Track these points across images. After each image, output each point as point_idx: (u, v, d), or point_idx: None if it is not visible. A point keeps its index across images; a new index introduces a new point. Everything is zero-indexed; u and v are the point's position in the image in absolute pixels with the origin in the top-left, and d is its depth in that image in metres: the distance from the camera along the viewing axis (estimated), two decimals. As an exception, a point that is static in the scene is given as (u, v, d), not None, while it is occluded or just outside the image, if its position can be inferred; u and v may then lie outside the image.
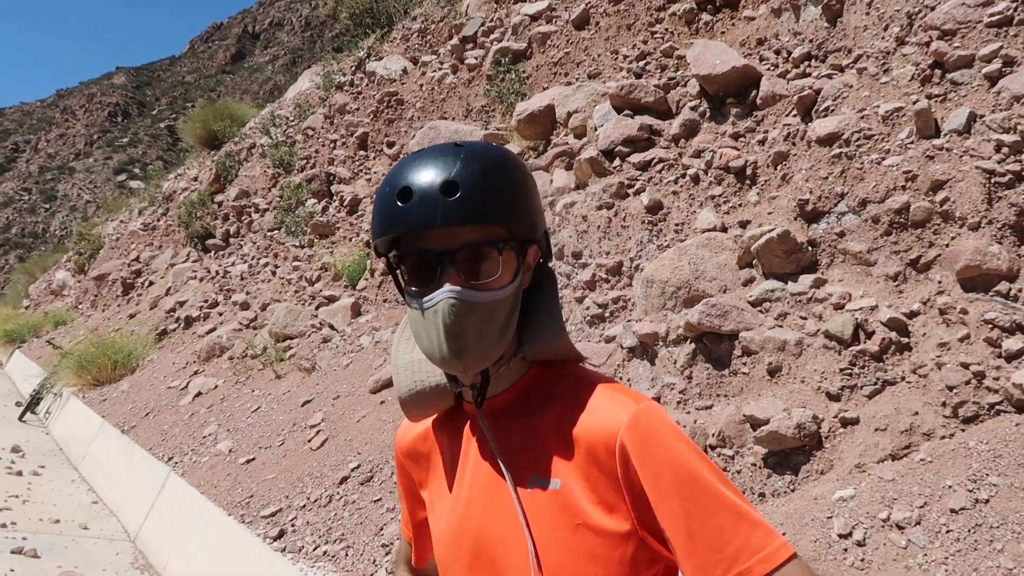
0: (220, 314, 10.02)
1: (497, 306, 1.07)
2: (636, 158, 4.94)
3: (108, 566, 4.81)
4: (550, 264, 1.21)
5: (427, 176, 1.05)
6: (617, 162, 5.07)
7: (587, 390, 1.11)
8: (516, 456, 1.11)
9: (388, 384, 5.00)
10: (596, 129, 5.45)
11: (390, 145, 9.19)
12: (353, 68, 11.89)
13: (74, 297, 20.28)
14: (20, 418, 10.23)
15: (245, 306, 9.39)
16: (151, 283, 14.32)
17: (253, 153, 13.27)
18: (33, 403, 10.61)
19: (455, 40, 9.05)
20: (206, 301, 10.74)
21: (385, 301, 6.60)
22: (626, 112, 5.28)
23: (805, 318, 3.36)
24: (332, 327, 6.67)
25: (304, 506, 4.16)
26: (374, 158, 9.56)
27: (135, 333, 11.38)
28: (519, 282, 1.11)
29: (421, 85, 9.34)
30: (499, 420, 1.14)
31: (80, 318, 16.91)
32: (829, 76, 4.31)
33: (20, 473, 6.93)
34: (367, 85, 10.80)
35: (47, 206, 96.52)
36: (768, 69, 4.79)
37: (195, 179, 15.75)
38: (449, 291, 1.05)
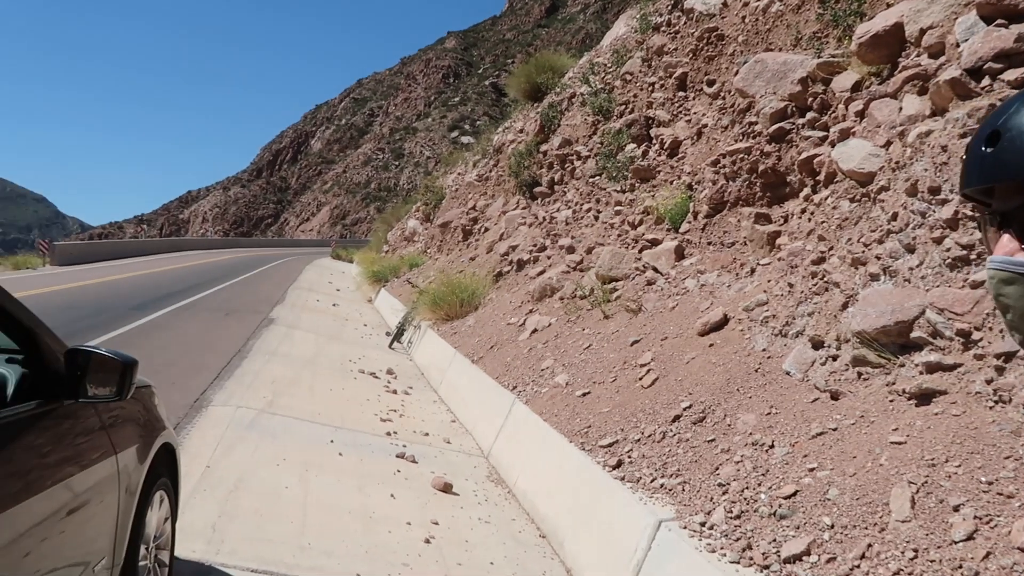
0: (548, 257, 10.75)
1: None
2: (1012, 75, 4.25)
3: (469, 476, 5.55)
4: None
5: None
6: (986, 81, 4.41)
7: None
8: None
9: (717, 327, 5.01)
10: (958, 45, 4.76)
11: (710, 84, 8.95)
12: (669, 7, 11.69)
13: (423, 242, 23.13)
14: (389, 346, 12.05)
15: (571, 250, 9.95)
16: (486, 229, 15.80)
17: (573, 102, 13.79)
18: (398, 334, 12.42)
19: (782, -37, 8.43)
20: (535, 245, 11.58)
21: (710, 244, 6.55)
22: (998, 21, 4.54)
23: None
24: (656, 270, 6.81)
25: (639, 440, 4.39)
26: (693, 98, 9.39)
27: (476, 274, 12.70)
28: None
29: (743, 17, 8.89)
30: None
31: (429, 260, 19.28)
32: None
33: (395, 392, 8.23)
34: (684, 23, 10.56)
35: (396, 163, 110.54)
36: None
37: (521, 131, 16.86)
38: (991, 262, 0.91)
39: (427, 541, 4.10)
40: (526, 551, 4.25)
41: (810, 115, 6.18)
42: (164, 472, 2.72)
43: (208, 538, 3.52)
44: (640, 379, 5.11)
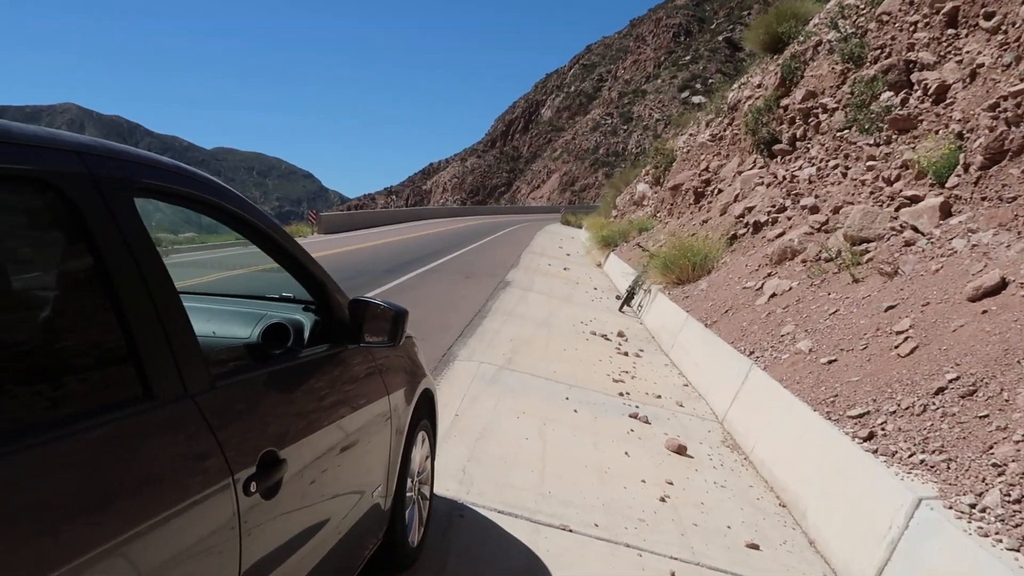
0: (788, 218, 10.14)
1: None
2: None
3: (703, 440, 5.48)
4: None
5: None
6: None
7: None
8: None
9: (992, 292, 4.44)
10: None
11: (988, 16, 7.81)
12: (938, -67, 10.32)
13: (652, 206, 22.85)
14: (619, 309, 12.14)
15: (814, 210, 9.30)
16: (719, 191, 15.22)
17: (819, 51, 12.75)
18: (628, 297, 12.46)
19: None
20: (773, 206, 10.97)
21: (984, 200, 5.79)
22: None
23: None
24: (916, 229, 6.15)
25: (894, 412, 4.05)
26: (966, 35, 8.26)
27: (708, 237, 12.33)
28: None
29: (1034, -67, 7.62)
30: None
31: (659, 224, 19.02)
32: None
33: (626, 354, 8.30)
34: (957, -51, 9.28)
35: (625, 127, 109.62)
36: None
37: (759, 86, 15.93)
38: None
39: (662, 500, 4.13)
40: (764, 518, 4.12)
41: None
42: (425, 415, 3.00)
43: (459, 479, 3.82)
44: (896, 347, 4.68)
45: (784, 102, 12.86)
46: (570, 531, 3.52)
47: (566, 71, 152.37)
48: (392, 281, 12.02)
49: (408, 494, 2.77)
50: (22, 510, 0.96)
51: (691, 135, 22.27)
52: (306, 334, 2.23)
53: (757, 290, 8.02)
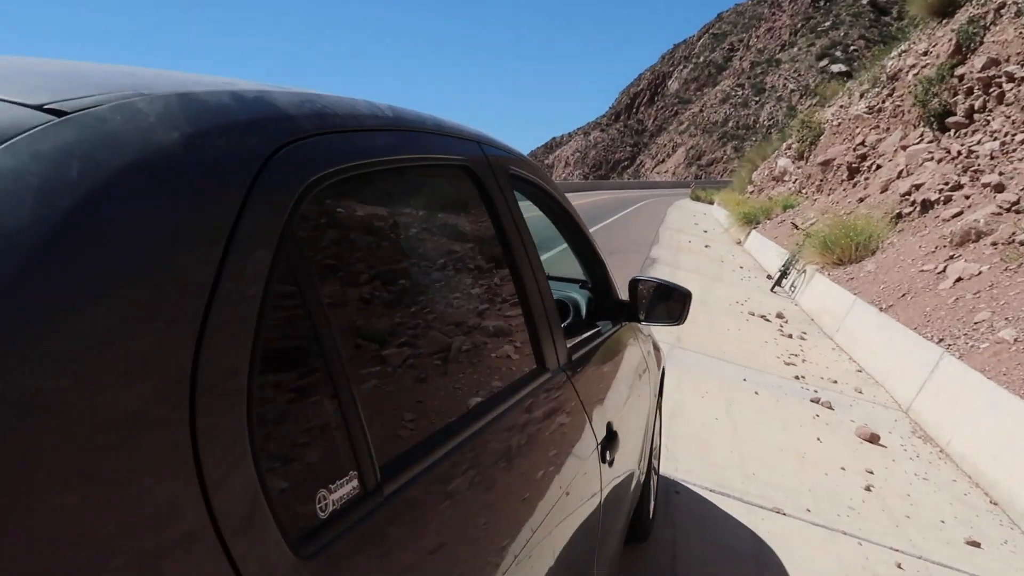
0: (966, 197, 9.48)
1: None
2: None
3: (892, 429, 5.27)
4: None
5: None
6: None
7: None
8: None
9: None
10: None
11: None
12: None
13: (796, 182, 21.88)
14: (771, 289, 11.77)
15: (999, 188, 8.66)
16: (878, 166, 14.39)
17: (1003, 14, 11.75)
18: (780, 277, 12.05)
19: None
20: (946, 183, 10.27)
21: None
22: None
23: None
24: None
25: None
26: None
27: (869, 216, 11.70)
28: None
29: None
30: None
31: (806, 201, 18.22)
32: None
33: (790, 336, 8.07)
34: None
35: (756, 99, 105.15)
36: None
37: (925, 53, 14.88)
38: None
39: (867, 489, 4.02)
40: (978, 515, 3.94)
41: None
42: (660, 392, 3.07)
43: (664, 455, 3.87)
44: None
45: (959, 71, 11.96)
46: (784, 515, 3.50)
47: (695, 41, 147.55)
48: (538, 256, 12.15)
49: (650, 467, 2.86)
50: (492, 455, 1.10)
51: (841, 106, 21.09)
52: (583, 311, 2.33)
53: (939, 274, 7.57)
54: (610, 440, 1.63)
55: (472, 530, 0.99)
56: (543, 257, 1.57)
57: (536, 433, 1.28)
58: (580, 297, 2.42)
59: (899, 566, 3.19)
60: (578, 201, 34.21)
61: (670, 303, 2.32)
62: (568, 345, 1.61)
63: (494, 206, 1.35)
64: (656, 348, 2.94)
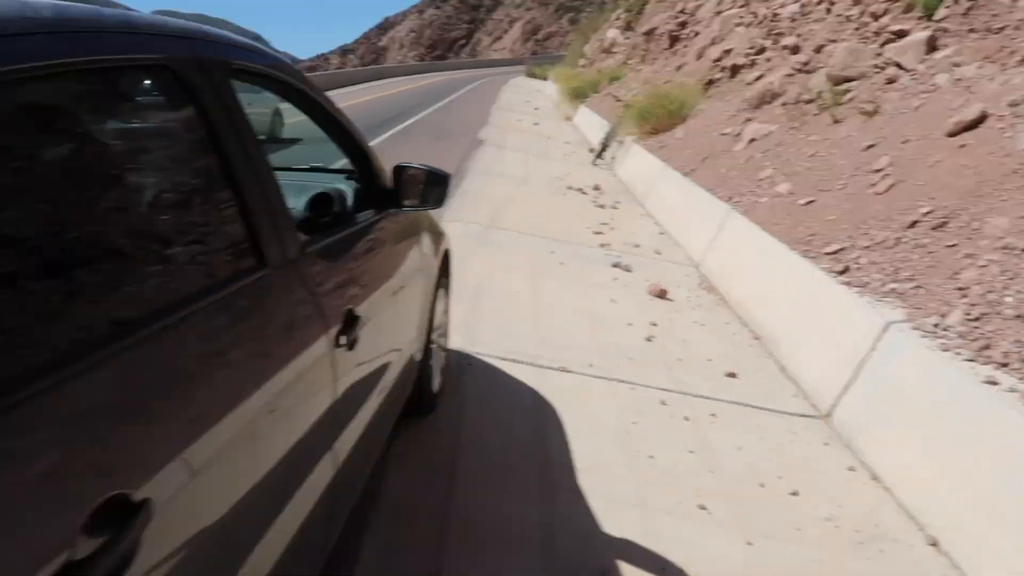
0: (768, 60, 10.00)
1: None
2: None
3: (681, 284, 5.70)
4: None
5: None
6: None
7: None
8: None
9: (971, 126, 4.54)
10: None
11: None
12: None
13: (624, 53, 22.20)
14: (593, 163, 12.13)
15: (795, 50, 9.17)
16: (696, 34, 14.83)
17: None
18: (601, 150, 12.40)
19: None
20: (752, 48, 10.77)
21: (971, 32, 5.76)
22: None
23: None
24: (899, 66, 6.16)
25: (868, 247, 4.25)
26: None
27: (684, 84, 12.15)
28: None
29: None
30: None
31: (631, 73, 18.58)
32: None
33: (603, 206, 8.41)
34: None
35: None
36: None
37: (734, -82, 15.16)
38: None
39: (648, 340, 4.38)
40: (740, 350, 4.41)
41: None
42: (445, 273, 3.17)
43: (463, 332, 4.01)
44: (873, 185, 4.83)
45: (762, -65, 12.30)
46: (569, 372, 3.76)
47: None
48: (365, 144, 11.80)
49: (431, 346, 2.97)
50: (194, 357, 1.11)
51: (664, -26, 21.29)
52: (349, 202, 2.31)
53: (736, 136, 8.06)
54: (349, 326, 1.67)
55: (165, 440, 0.99)
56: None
57: (245, 330, 1.28)
58: (349, 188, 2.40)
59: (663, 403, 3.54)
60: (413, 85, 33.15)
61: (435, 187, 2.34)
62: (305, 238, 1.62)
63: (202, 105, 1.29)
64: (438, 232, 3.01)
